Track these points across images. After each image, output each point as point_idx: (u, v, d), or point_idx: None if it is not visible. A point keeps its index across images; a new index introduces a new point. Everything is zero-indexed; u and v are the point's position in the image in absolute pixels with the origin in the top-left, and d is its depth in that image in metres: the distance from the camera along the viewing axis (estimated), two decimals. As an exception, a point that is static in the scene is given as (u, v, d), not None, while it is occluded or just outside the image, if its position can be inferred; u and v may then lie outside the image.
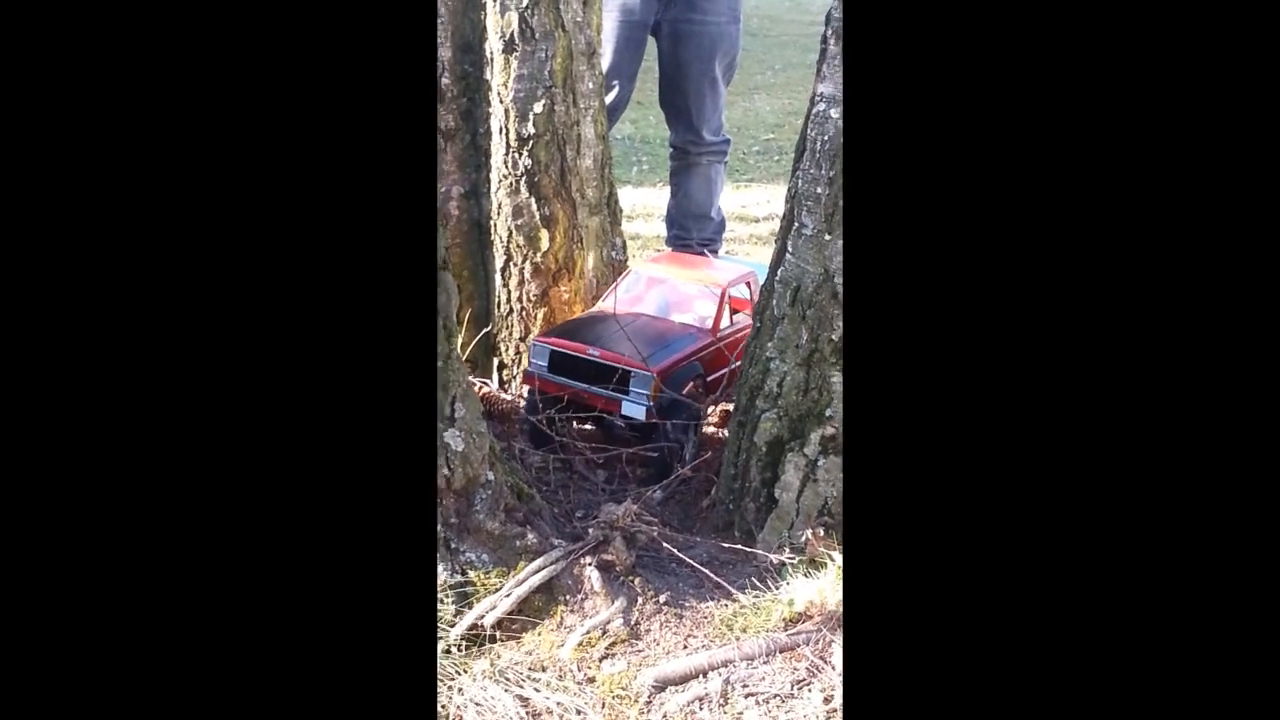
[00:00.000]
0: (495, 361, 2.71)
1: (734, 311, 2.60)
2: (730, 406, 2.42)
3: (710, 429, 2.63)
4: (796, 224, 2.00)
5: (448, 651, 1.74)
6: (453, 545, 1.81)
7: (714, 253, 3.46)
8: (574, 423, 2.51)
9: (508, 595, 1.80)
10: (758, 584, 1.93)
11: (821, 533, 1.96)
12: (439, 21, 2.50)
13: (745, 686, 1.74)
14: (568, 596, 1.84)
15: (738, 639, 1.82)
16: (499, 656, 1.76)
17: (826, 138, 1.95)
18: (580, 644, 1.79)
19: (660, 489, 2.25)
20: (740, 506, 2.11)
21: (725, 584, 1.89)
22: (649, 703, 1.70)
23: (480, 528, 1.83)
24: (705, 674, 1.75)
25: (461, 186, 2.60)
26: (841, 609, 1.78)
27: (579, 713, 1.67)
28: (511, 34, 2.52)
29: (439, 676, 1.69)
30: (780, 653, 1.79)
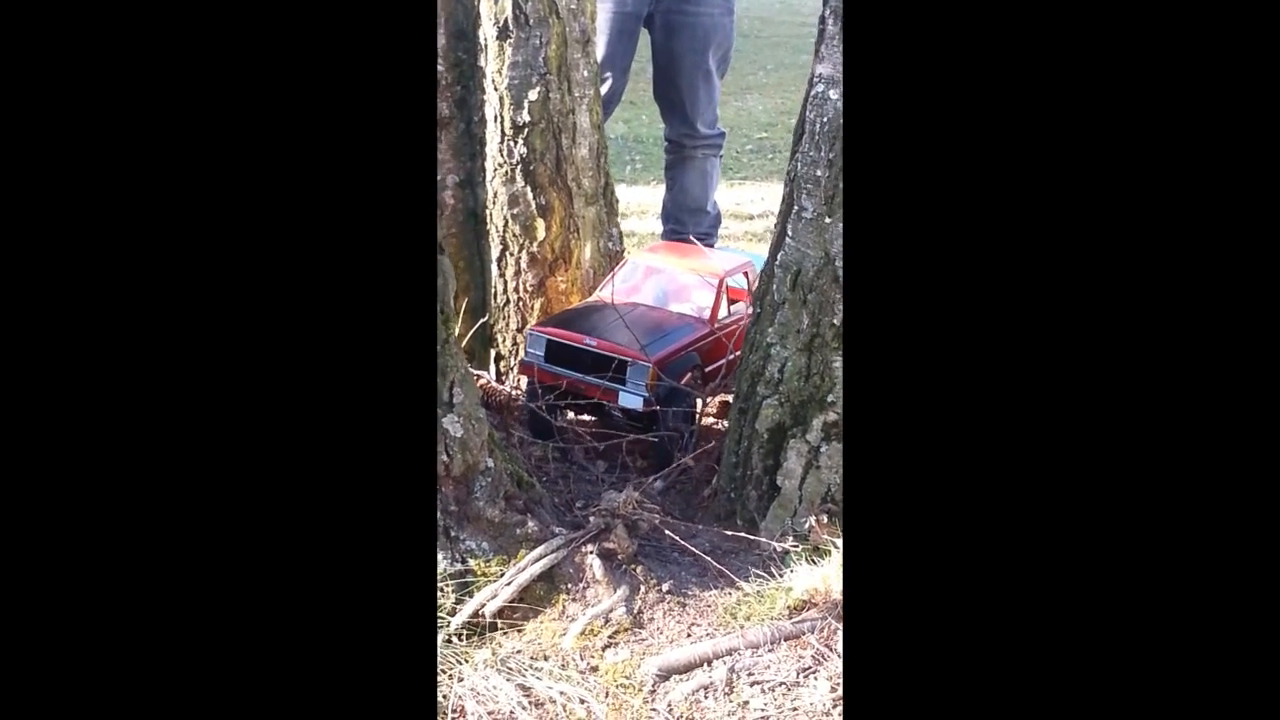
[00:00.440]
0: (492, 353, 2.68)
1: (731, 302, 2.57)
2: (729, 397, 2.39)
3: (709, 420, 2.60)
4: (796, 207, 1.98)
5: (449, 641, 1.71)
6: (452, 533, 1.78)
7: (710, 246, 3.43)
8: (572, 413, 2.48)
9: (509, 584, 1.77)
10: (761, 572, 1.90)
11: (825, 520, 1.94)
12: (433, 8, 2.47)
13: (751, 675, 1.71)
14: (569, 585, 1.81)
15: (742, 627, 1.79)
16: (500, 646, 1.73)
17: (825, 119, 1.92)
18: (582, 633, 1.76)
19: (661, 478, 2.22)
20: (742, 495, 2.08)
21: (728, 572, 1.86)
22: (653, 692, 1.68)
23: (480, 515, 1.80)
24: (710, 662, 1.73)
25: (456, 175, 2.57)
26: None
27: (582, 702, 1.65)
28: (505, 20, 2.49)
29: (439, 666, 1.66)
30: (785, 641, 1.77)
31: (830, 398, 1.96)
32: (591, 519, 1.89)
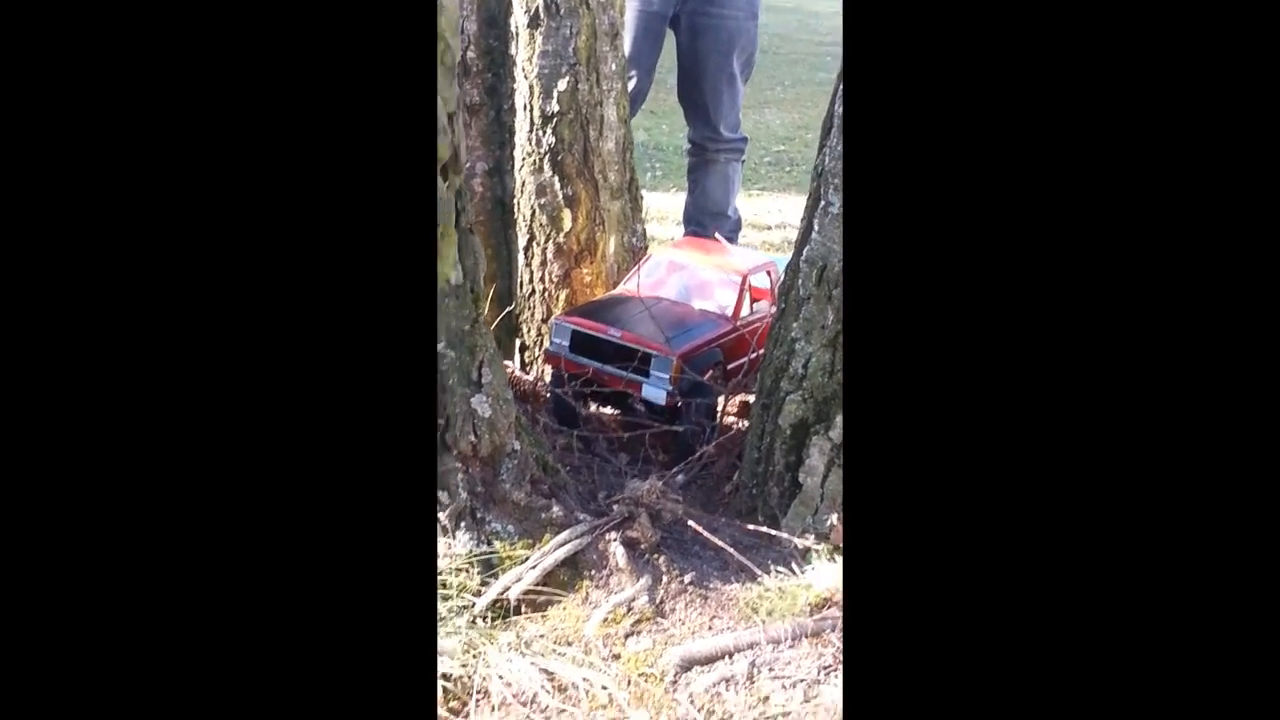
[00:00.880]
0: (517, 343, 2.67)
1: (754, 300, 2.57)
2: (750, 398, 2.39)
3: (729, 420, 2.60)
4: (823, 202, 1.98)
5: (473, 622, 1.70)
6: (478, 514, 1.77)
7: None
8: (594, 404, 2.48)
9: (533, 567, 1.76)
10: (782, 568, 1.89)
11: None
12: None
13: (772, 670, 1.71)
14: (593, 571, 1.81)
15: (763, 622, 1.79)
16: (524, 629, 1.72)
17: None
18: (605, 620, 1.76)
19: (682, 471, 2.21)
20: (764, 491, 2.08)
21: (750, 565, 1.86)
22: (674, 682, 1.67)
23: (506, 498, 1.80)
24: (731, 655, 1.72)
25: (486, 163, 2.57)
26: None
27: (604, 688, 1.64)
28: (536, 9, 2.49)
29: (467, 649, 1.65)
30: (807, 638, 1.76)
31: (857, 396, 1.96)
32: (615, 507, 1.88)
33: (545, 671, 1.65)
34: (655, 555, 1.86)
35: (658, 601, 1.80)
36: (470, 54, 2.52)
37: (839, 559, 1.87)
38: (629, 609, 1.78)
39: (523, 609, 1.76)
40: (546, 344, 2.55)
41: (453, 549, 1.75)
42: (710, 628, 1.79)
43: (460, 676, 1.62)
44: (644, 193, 2.84)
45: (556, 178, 2.58)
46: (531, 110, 2.55)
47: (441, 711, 1.58)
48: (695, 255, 2.65)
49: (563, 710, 1.61)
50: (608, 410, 2.52)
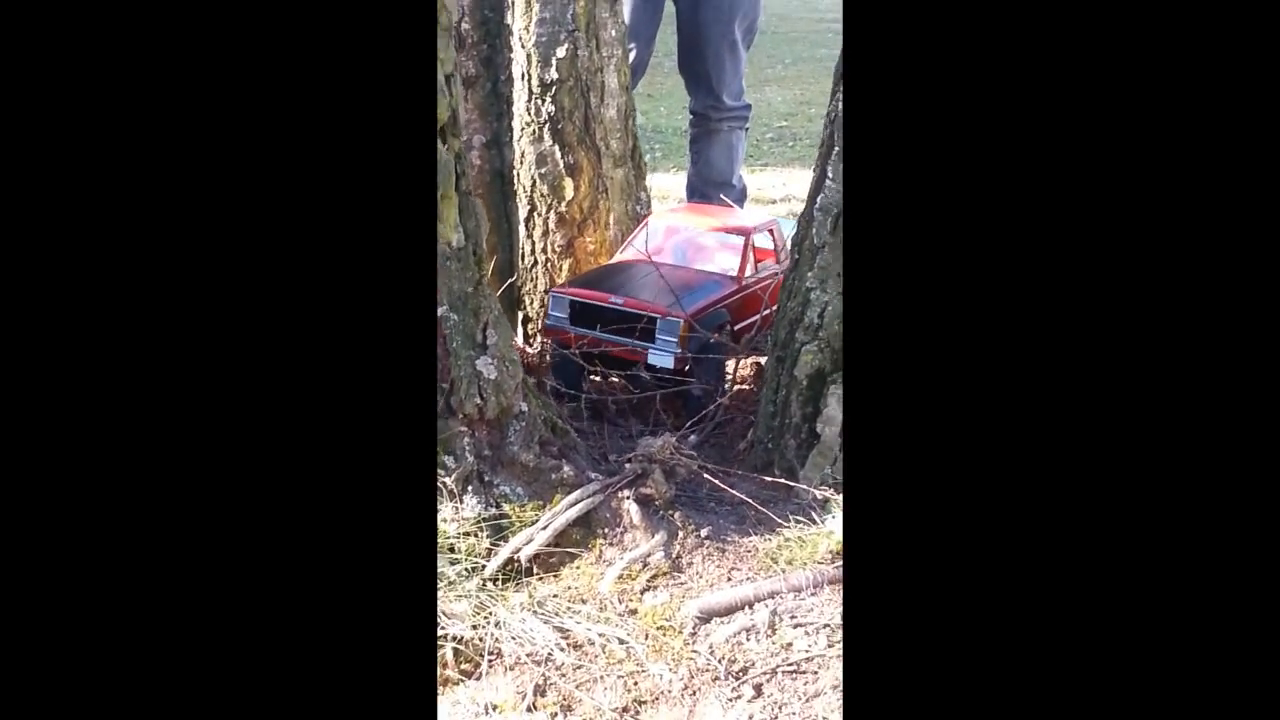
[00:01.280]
0: (520, 315, 2.64)
1: (758, 261, 2.52)
2: (762, 359, 2.35)
3: (740, 386, 2.55)
4: (836, 148, 1.94)
5: (484, 585, 1.67)
6: (486, 478, 1.74)
7: None
8: (599, 378, 2.43)
9: (544, 528, 1.73)
10: (802, 518, 1.86)
11: (867, 465, 1.89)
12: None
13: (794, 617, 1.67)
14: (606, 530, 1.78)
15: (784, 571, 1.75)
16: (536, 590, 1.69)
17: (865, 56, 1.88)
18: (620, 577, 1.72)
19: (695, 431, 2.17)
20: (780, 444, 2.04)
21: (769, 514, 1.82)
22: (694, 633, 1.64)
23: (515, 460, 1.76)
24: (751, 605, 1.68)
25: (483, 135, 2.54)
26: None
27: (621, 642, 1.61)
28: (534, -24, 2.46)
29: (478, 608, 1.62)
30: (829, 585, 1.73)
31: (870, 341, 1.92)
32: (628, 465, 1.85)
33: (559, 629, 1.62)
34: (670, 511, 1.82)
35: (674, 556, 1.77)
36: (465, 25, 2.49)
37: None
38: (645, 565, 1.74)
39: (535, 570, 1.73)
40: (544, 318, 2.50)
41: (460, 513, 1.72)
42: (729, 580, 1.75)
43: (471, 639, 1.59)
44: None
45: (557, 146, 2.54)
46: (530, 79, 2.52)
47: (453, 674, 1.56)
48: (694, 219, 2.60)
49: (579, 666, 1.57)
50: (614, 379, 2.47)
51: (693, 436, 2.15)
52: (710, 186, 3.65)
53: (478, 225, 1.75)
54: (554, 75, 2.50)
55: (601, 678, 1.56)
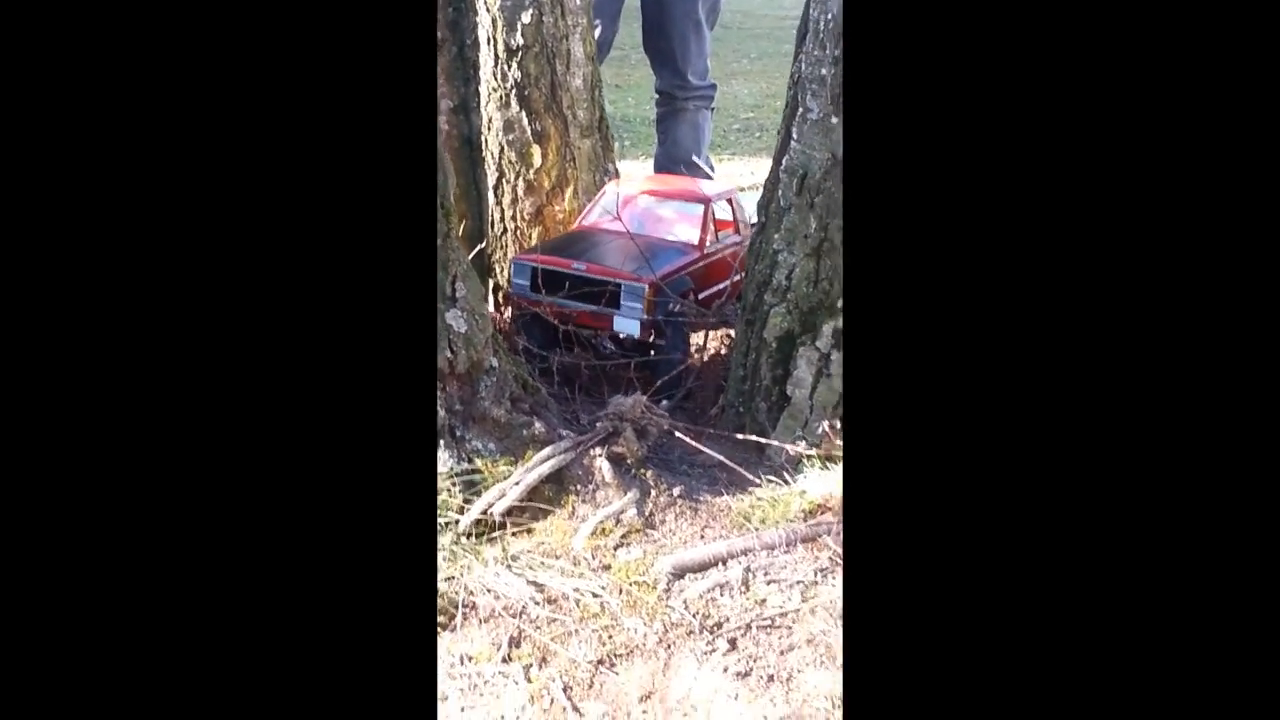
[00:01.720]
0: (490, 283, 2.61)
1: (718, 231, 2.50)
2: (732, 331, 2.33)
3: (710, 353, 2.54)
4: (801, 109, 1.93)
5: (456, 540, 1.65)
6: (458, 432, 1.72)
7: None
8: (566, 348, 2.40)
9: (517, 483, 1.71)
10: (773, 478, 1.85)
11: (838, 425, 1.89)
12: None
13: (767, 574, 1.67)
14: (578, 487, 1.76)
15: (756, 530, 1.75)
16: (509, 544, 1.67)
17: (830, 16, 1.88)
18: (594, 533, 1.71)
19: (666, 398, 2.16)
20: (751, 407, 2.03)
21: (742, 470, 1.81)
22: (668, 589, 1.62)
23: (486, 415, 1.74)
24: (725, 562, 1.68)
25: (451, 100, 2.51)
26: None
27: (595, 596, 1.59)
28: (497, -60, 2.44)
29: (452, 564, 1.60)
30: (801, 543, 1.72)
31: (840, 303, 1.92)
32: (599, 423, 1.83)
33: (534, 584, 1.60)
34: (642, 470, 1.81)
35: (647, 514, 1.76)
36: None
37: (832, 466, 1.83)
38: (618, 521, 1.73)
39: (508, 526, 1.71)
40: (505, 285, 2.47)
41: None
42: (702, 538, 1.74)
43: (445, 592, 1.57)
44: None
45: (524, 113, 2.52)
46: (495, 44, 2.49)
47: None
48: (653, 187, 2.58)
49: (553, 620, 1.56)
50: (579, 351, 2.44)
51: (664, 402, 2.14)
52: (677, 165, 3.64)
53: (445, 178, 1.72)
54: (519, 40, 2.48)
55: (576, 631, 1.55)
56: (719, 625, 1.56)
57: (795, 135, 1.96)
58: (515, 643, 1.52)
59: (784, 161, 1.99)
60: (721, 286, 2.41)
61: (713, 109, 3.77)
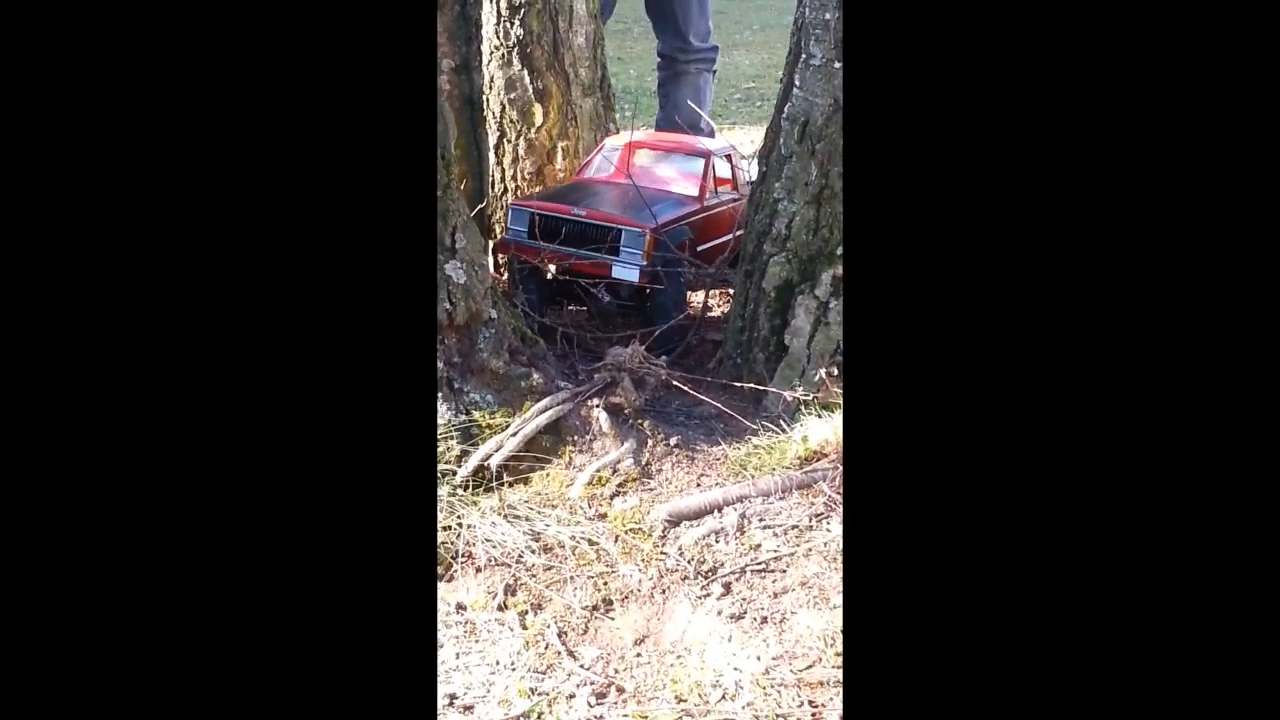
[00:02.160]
0: (489, 243, 2.62)
1: (717, 186, 2.49)
2: (731, 290, 2.32)
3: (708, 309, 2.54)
4: (804, 55, 1.93)
5: (454, 491, 1.67)
6: (456, 384, 1.73)
7: None
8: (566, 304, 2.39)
9: (514, 434, 1.73)
10: (770, 425, 1.86)
11: (835, 373, 1.90)
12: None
13: (762, 520, 1.68)
14: (576, 437, 1.77)
15: (752, 477, 1.76)
16: (506, 495, 1.69)
17: (834, -41, 1.87)
18: (590, 482, 1.72)
19: (665, 353, 2.16)
20: (749, 357, 2.04)
21: (739, 418, 1.82)
22: (663, 536, 1.64)
23: (484, 367, 1.75)
24: (720, 509, 1.69)
25: (452, 60, 2.51)
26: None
27: (592, 544, 1.61)
28: (498, -104, 2.43)
29: (448, 513, 1.62)
30: (797, 490, 1.73)
31: (840, 250, 1.92)
32: (596, 374, 1.84)
33: (530, 532, 1.62)
34: (639, 420, 1.82)
35: (644, 463, 1.77)
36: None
37: (829, 414, 1.84)
38: (614, 471, 1.74)
39: (505, 476, 1.72)
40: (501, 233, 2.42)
41: (431, 420, 1.71)
42: (698, 486, 1.75)
43: (442, 541, 1.58)
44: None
45: (526, 71, 2.52)
46: (498, 2, 2.49)
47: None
48: (652, 141, 2.57)
49: (549, 567, 1.57)
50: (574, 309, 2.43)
51: (663, 356, 2.14)
52: (679, 128, 3.63)
53: (445, 129, 1.73)
54: (521, -2, 2.48)
55: (572, 578, 1.56)
56: (714, 570, 1.58)
57: (798, 82, 1.95)
58: (511, 590, 1.54)
59: (786, 109, 1.98)
60: (720, 241, 2.41)
61: (714, 72, 3.76)
